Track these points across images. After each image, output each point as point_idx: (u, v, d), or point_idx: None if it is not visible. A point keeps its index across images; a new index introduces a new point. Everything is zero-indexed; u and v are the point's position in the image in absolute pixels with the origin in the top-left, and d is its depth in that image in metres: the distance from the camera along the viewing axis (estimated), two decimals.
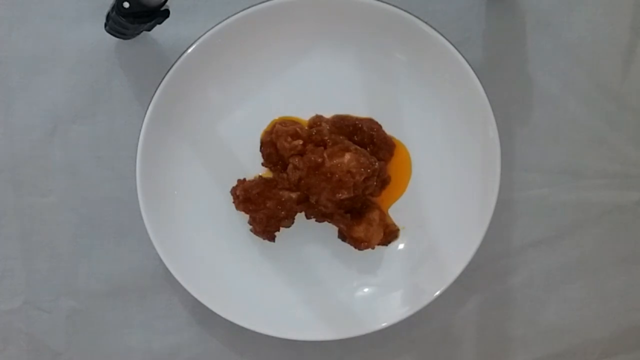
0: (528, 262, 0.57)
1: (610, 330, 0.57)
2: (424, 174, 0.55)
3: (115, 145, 0.56)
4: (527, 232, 0.56)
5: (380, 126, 0.54)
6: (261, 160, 0.55)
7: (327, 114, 0.55)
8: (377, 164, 0.52)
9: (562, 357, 0.57)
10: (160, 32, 0.54)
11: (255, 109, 0.55)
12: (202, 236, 0.55)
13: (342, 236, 0.54)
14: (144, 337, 0.57)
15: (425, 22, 0.52)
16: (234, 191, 0.54)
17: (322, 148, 0.52)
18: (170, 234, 0.54)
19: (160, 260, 0.53)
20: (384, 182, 0.54)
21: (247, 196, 0.53)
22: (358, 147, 0.52)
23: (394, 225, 0.55)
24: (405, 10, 0.52)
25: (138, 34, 0.53)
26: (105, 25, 0.53)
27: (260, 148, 0.54)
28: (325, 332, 0.53)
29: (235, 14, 0.52)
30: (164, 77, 0.52)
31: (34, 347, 0.57)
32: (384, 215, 0.54)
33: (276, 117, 0.55)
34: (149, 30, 0.53)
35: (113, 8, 0.49)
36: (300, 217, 0.54)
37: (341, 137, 0.53)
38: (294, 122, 0.54)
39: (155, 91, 0.52)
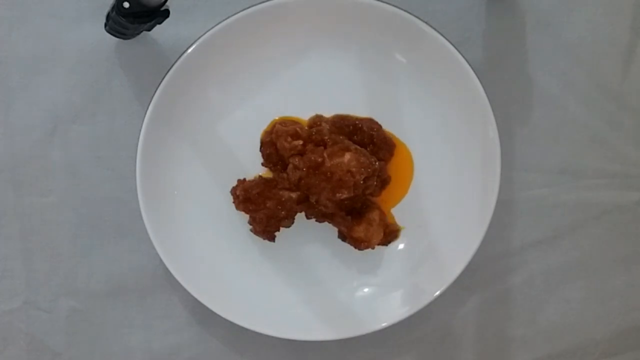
0: (528, 262, 0.57)
1: (610, 330, 0.57)
2: (424, 174, 0.55)
3: (115, 145, 0.56)
4: (527, 232, 0.56)
5: (380, 126, 0.54)
6: (261, 160, 0.55)
7: (327, 114, 0.55)
8: (377, 163, 0.52)
9: (562, 357, 0.57)
10: (160, 32, 0.54)
11: (255, 109, 0.55)
12: (202, 236, 0.55)
13: (342, 236, 0.54)
14: (144, 337, 0.57)
15: (425, 22, 0.52)
16: (234, 191, 0.54)
17: (322, 148, 0.52)
18: (170, 234, 0.54)
19: (160, 260, 0.53)
20: (384, 182, 0.54)
21: (247, 196, 0.53)
22: (358, 147, 0.52)
23: (394, 225, 0.55)
24: (405, 10, 0.52)
25: (138, 34, 0.53)
26: (105, 25, 0.53)
27: (260, 148, 0.54)
28: (325, 332, 0.53)
29: (235, 14, 0.52)
30: (164, 77, 0.52)
31: (34, 347, 0.57)
32: (384, 215, 0.54)
33: (276, 117, 0.55)
34: (149, 30, 0.53)
35: (113, 8, 0.49)
36: (300, 217, 0.54)
37: (341, 137, 0.53)
38: (294, 122, 0.54)
39: (155, 91, 0.52)
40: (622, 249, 0.57)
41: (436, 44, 0.52)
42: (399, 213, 0.55)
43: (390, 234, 0.55)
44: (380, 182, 0.54)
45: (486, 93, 0.52)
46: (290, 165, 0.52)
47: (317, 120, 0.54)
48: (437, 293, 0.52)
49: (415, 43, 0.53)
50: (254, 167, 0.55)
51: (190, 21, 0.55)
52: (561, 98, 0.56)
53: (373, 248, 0.53)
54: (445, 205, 0.54)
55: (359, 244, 0.53)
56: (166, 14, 0.51)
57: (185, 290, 0.53)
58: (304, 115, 0.55)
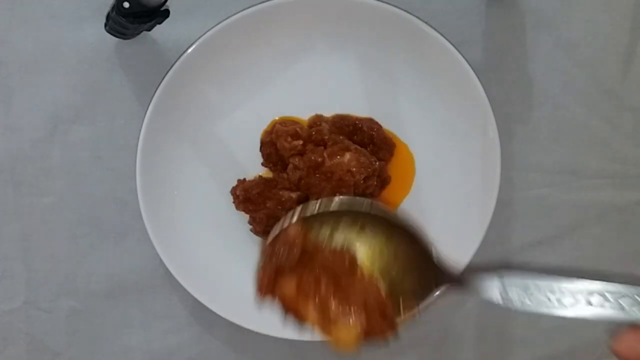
0: (528, 262, 0.57)
1: (610, 330, 0.57)
2: (424, 174, 0.55)
3: (115, 145, 0.56)
4: (527, 232, 0.56)
5: (380, 126, 0.54)
6: (261, 160, 0.55)
7: (327, 114, 0.55)
8: (377, 163, 0.52)
9: (562, 357, 0.57)
10: (160, 32, 0.54)
11: (255, 109, 0.55)
12: (202, 236, 0.55)
13: None
14: (144, 337, 0.57)
15: (425, 22, 0.52)
16: (234, 191, 0.54)
17: (322, 148, 0.52)
18: (170, 234, 0.54)
19: (160, 260, 0.53)
20: (384, 182, 0.54)
21: (247, 196, 0.53)
22: (358, 147, 0.52)
23: None
24: (405, 10, 0.52)
25: (138, 34, 0.53)
26: (105, 25, 0.53)
27: (260, 148, 0.54)
28: None
29: (235, 14, 0.52)
30: (164, 77, 0.52)
31: (34, 347, 0.57)
32: None
33: (276, 117, 0.55)
34: (149, 30, 0.53)
35: (113, 8, 0.49)
36: None
37: (341, 137, 0.53)
38: (294, 122, 0.54)
39: (155, 91, 0.52)
40: (622, 249, 0.57)
41: (436, 44, 0.52)
42: (399, 213, 0.55)
43: None
44: (380, 182, 0.54)
45: (486, 93, 0.52)
46: (291, 165, 0.52)
47: (317, 120, 0.54)
48: (437, 293, 0.52)
49: (415, 43, 0.53)
50: (254, 167, 0.55)
51: (190, 21, 0.55)
52: (561, 98, 0.56)
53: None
54: (445, 206, 0.54)
55: None
56: (166, 14, 0.51)
57: (185, 290, 0.53)
58: (304, 115, 0.55)
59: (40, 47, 0.56)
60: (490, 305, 0.56)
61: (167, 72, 0.52)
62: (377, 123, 0.54)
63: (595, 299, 0.37)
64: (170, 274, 0.53)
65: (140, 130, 0.52)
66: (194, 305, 0.55)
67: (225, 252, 0.55)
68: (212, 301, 0.53)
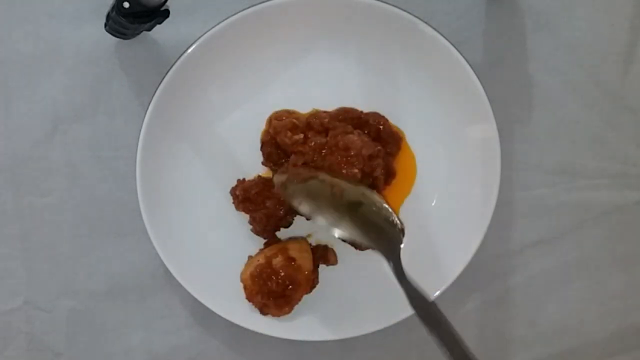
0: (528, 262, 0.57)
1: (610, 330, 0.57)
2: (424, 173, 0.55)
3: (115, 145, 0.56)
4: (527, 232, 0.56)
5: (387, 120, 0.54)
6: (261, 160, 0.54)
7: None
8: (379, 147, 0.51)
9: (562, 357, 0.57)
10: (160, 32, 0.54)
11: (255, 108, 0.55)
12: (202, 236, 0.55)
13: None
14: (144, 337, 0.57)
15: (425, 22, 0.52)
16: (233, 191, 0.54)
17: (324, 133, 0.51)
18: (170, 234, 0.54)
19: (160, 260, 0.53)
20: (390, 173, 0.53)
21: (246, 196, 0.53)
22: (360, 131, 0.51)
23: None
24: (405, 10, 0.52)
25: (138, 34, 0.53)
26: (105, 25, 0.53)
27: (261, 147, 0.54)
28: (325, 332, 0.53)
29: (235, 13, 0.52)
30: (164, 77, 0.52)
31: (34, 347, 0.57)
32: None
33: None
34: (149, 30, 0.53)
35: (113, 8, 0.49)
36: (299, 217, 0.54)
37: (341, 124, 0.52)
38: (288, 112, 0.54)
39: (155, 91, 0.52)
40: (622, 249, 0.57)
41: (436, 44, 0.52)
42: (399, 213, 0.55)
43: None
44: (386, 173, 0.53)
45: (486, 93, 0.52)
46: (293, 156, 0.51)
47: (315, 114, 0.54)
48: (437, 293, 0.52)
49: (415, 43, 0.53)
50: (254, 167, 0.55)
51: (190, 21, 0.55)
52: (561, 98, 0.56)
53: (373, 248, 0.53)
54: (445, 205, 0.54)
55: (359, 243, 0.53)
56: (166, 14, 0.51)
57: (185, 290, 0.53)
58: None
59: (40, 46, 0.56)
60: (490, 305, 0.57)
61: (167, 72, 0.52)
62: (383, 117, 0.54)
63: None
64: (170, 274, 0.53)
65: (140, 130, 0.52)
66: (194, 305, 0.55)
67: (225, 252, 0.55)
68: (212, 301, 0.53)
